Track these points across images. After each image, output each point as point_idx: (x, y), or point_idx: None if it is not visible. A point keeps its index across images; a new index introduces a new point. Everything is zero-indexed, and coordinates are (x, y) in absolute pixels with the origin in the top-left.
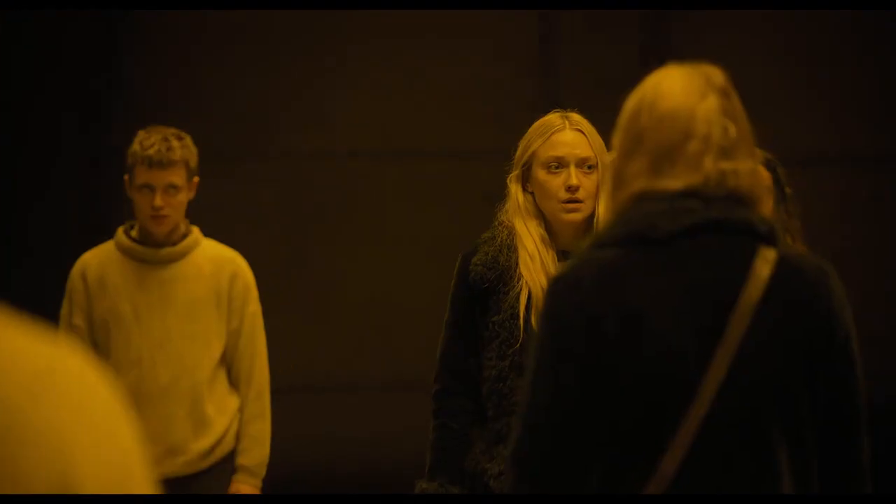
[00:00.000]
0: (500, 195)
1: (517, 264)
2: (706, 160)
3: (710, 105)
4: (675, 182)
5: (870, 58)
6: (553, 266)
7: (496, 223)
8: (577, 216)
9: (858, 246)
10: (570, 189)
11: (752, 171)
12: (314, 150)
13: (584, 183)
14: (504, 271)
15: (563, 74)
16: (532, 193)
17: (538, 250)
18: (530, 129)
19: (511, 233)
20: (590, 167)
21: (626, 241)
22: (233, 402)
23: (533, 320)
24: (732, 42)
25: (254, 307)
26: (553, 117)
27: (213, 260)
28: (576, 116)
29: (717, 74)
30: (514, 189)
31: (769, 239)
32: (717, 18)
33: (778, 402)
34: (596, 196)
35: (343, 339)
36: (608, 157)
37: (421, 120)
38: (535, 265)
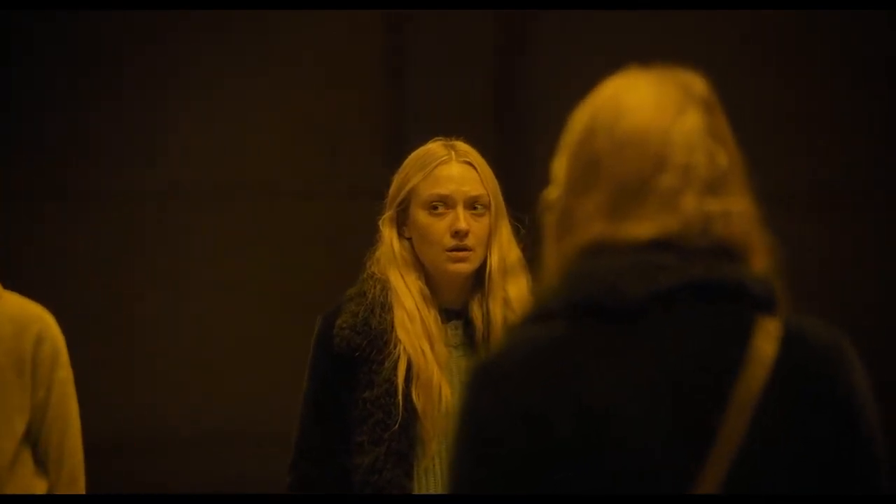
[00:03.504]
0: (342, 236)
1: (393, 326)
2: (686, 198)
3: (690, 124)
4: (642, 228)
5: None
6: (436, 328)
7: (365, 276)
8: (464, 267)
9: None
10: (457, 234)
11: (746, 213)
12: (133, 188)
13: (474, 227)
14: (377, 336)
15: (410, 99)
16: (410, 239)
17: (418, 309)
18: (407, 161)
19: (385, 288)
20: (480, 207)
21: (577, 310)
22: (39, 485)
23: (414, 395)
24: (602, 62)
25: (64, 373)
26: (435, 146)
27: (14, 319)
28: (463, 146)
29: (697, 84)
30: (388, 234)
31: (769, 305)
32: (589, 25)
33: None
34: (487, 243)
35: (163, 391)
36: (553, 192)
37: (251, 155)
38: (415, 327)
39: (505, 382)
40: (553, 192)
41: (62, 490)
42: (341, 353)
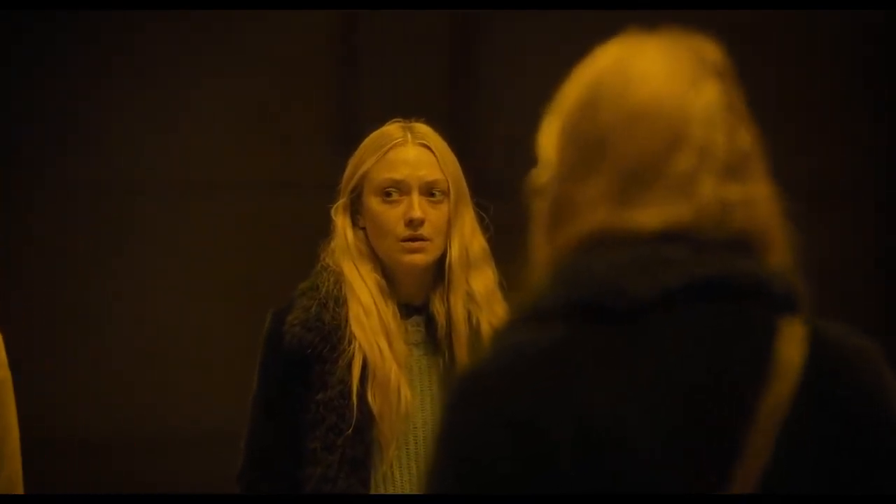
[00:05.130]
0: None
1: (347, 322)
2: (702, 183)
3: (708, 97)
4: (651, 216)
5: None
6: (395, 323)
7: (318, 268)
8: (419, 258)
9: None
10: (412, 223)
11: (767, 201)
12: (84, 182)
13: (431, 215)
14: (331, 332)
15: (363, 90)
16: (364, 229)
17: (375, 303)
18: (362, 144)
19: (339, 281)
20: (438, 194)
21: (574, 311)
22: None
23: (370, 396)
24: (555, 51)
25: (2, 374)
26: (391, 128)
27: None
28: (421, 127)
29: (711, 50)
30: (342, 223)
31: (791, 305)
32: (539, 21)
33: None
34: (447, 233)
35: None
36: (543, 174)
37: (200, 148)
38: (372, 322)
39: (491, 395)
40: (543, 175)
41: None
42: (292, 352)
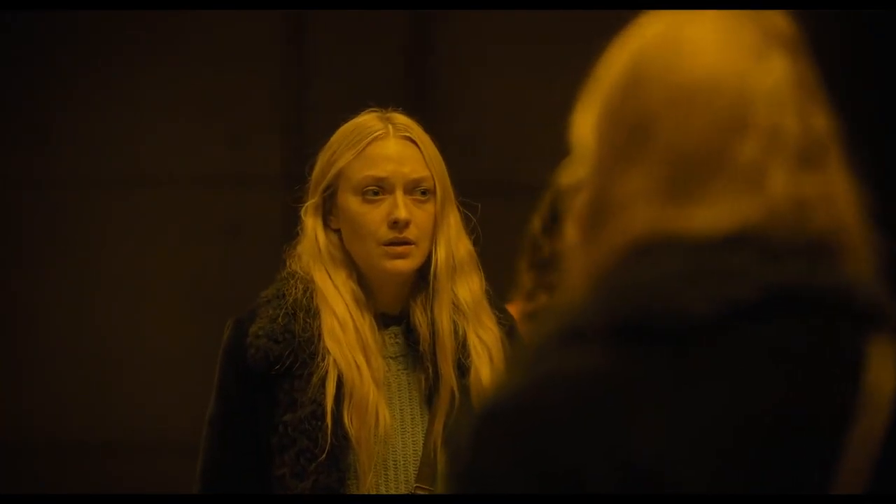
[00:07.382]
0: (242, 227)
1: (320, 335)
2: (773, 175)
3: (776, 73)
4: (713, 215)
5: None
6: (372, 337)
7: (285, 273)
8: (404, 264)
9: None
10: (396, 224)
11: (850, 195)
12: (30, 177)
13: (417, 216)
14: (301, 346)
15: (314, 85)
16: (338, 231)
17: (351, 315)
18: (336, 136)
19: (308, 289)
20: (424, 193)
21: (621, 332)
22: None
23: (346, 418)
24: (508, 51)
25: None
26: (369, 119)
27: None
28: (402, 118)
29: (779, 20)
30: (312, 225)
31: (879, 319)
32: (492, 21)
33: None
34: (433, 235)
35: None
36: (580, 168)
37: (146, 141)
38: (348, 336)
39: (519, 437)
40: (580, 169)
41: None
42: (257, 367)
